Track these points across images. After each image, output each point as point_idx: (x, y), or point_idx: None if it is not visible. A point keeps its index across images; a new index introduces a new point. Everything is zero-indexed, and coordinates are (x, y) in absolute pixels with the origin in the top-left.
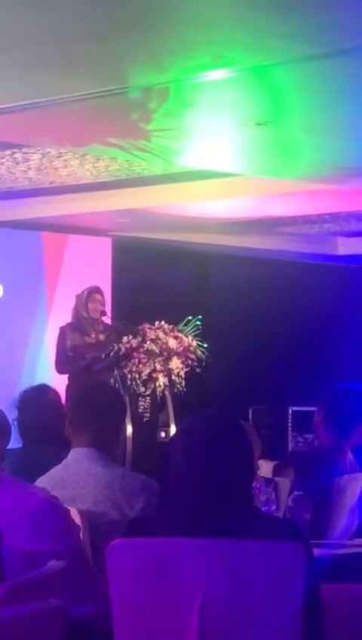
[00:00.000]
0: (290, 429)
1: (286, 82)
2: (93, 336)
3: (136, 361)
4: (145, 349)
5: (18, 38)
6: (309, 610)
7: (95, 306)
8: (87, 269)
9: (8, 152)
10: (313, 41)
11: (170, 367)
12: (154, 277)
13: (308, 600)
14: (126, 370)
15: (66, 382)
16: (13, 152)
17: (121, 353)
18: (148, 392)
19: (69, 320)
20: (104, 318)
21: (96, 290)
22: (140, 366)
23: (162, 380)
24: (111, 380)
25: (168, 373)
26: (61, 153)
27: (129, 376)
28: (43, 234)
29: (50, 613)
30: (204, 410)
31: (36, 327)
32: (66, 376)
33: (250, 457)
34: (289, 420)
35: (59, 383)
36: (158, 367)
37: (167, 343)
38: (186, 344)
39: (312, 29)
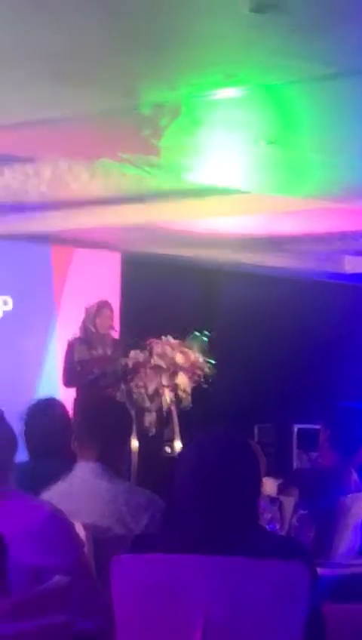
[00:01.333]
0: (295, 447)
1: (296, 101)
2: (100, 350)
3: (143, 375)
4: (151, 364)
5: (31, 53)
6: (312, 630)
7: (103, 321)
8: (96, 283)
9: (19, 165)
10: (324, 61)
11: (177, 382)
12: (163, 292)
13: (311, 619)
14: (132, 385)
15: (73, 395)
16: (25, 166)
17: (127, 368)
18: (154, 407)
19: (77, 334)
20: (112, 333)
21: (105, 305)
22: (147, 381)
23: (168, 395)
24: (118, 395)
25: (174, 388)
26: (72, 168)
27: (135, 390)
28: (52, 248)
29: (55, 628)
30: (210, 428)
31: (44, 340)
32: (74, 389)
33: (257, 477)
34: (295, 438)
35: (66, 396)
36: (165, 382)
37: (173, 359)
38: (193, 360)
39: (323, 49)
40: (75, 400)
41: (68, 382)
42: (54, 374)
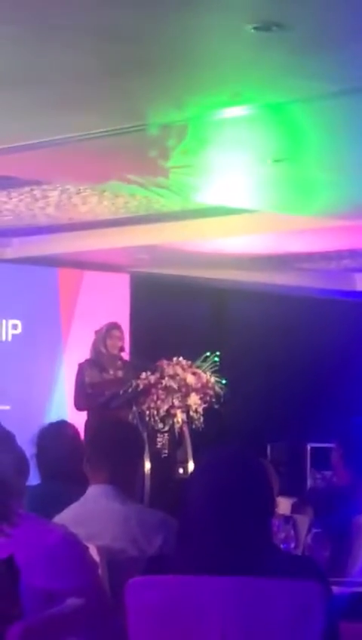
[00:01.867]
0: (309, 465)
1: (303, 119)
2: (111, 372)
3: (155, 397)
4: (163, 385)
5: (38, 75)
6: None
7: (114, 342)
8: (106, 305)
9: (27, 188)
10: (330, 79)
11: (188, 403)
12: (172, 313)
13: (326, 638)
14: (144, 407)
15: (84, 418)
16: (32, 189)
17: (139, 389)
18: (166, 429)
19: (87, 356)
20: (122, 354)
21: (115, 326)
22: (158, 402)
23: (180, 416)
24: (130, 417)
25: (186, 409)
26: (80, 190)
27: (147, 412)
28: (60, 270)
29: None
30: (222, 447)
31: (53, 363)
32: (84, 412)
33: (270, 495)
34: (308, 457)
35: (77, 419)
36: (176, 403)
37: (185, 379)
38: (204, 380)
39: (329, 67)
40: (86, 422)
41: (79, 405)
42: (64, 397)
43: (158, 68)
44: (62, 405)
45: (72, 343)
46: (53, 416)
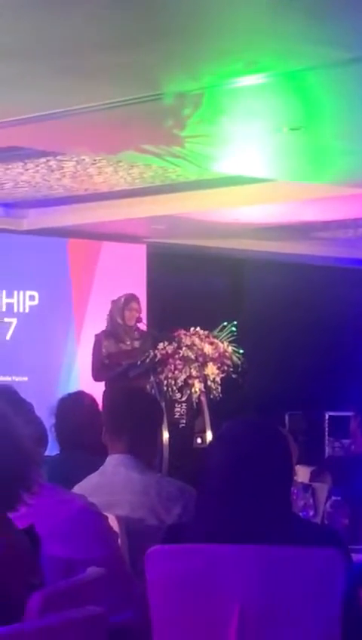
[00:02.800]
0: (327, 434)
1: (319, 87)
2: (128, 343)
3: (172, 367)
4: (180, 355)
5: (53, 46)
6: (349, 616)
7: (131, 314)
8: (123, 276)
9: (43, 159)
10: (346, 46)
11: (206, 373)
12: (189, 283)
13: (347, 605)
14: (162, 377)
15: (101, 388)
16: (48, 160)
17: (156, 360)
18: (184, 398)
19: (104, 327)
20: (139, 325)
21: (133, 298)
22: (176, 372)
23: (198, 386)
24: (148, 387)
25: (204, 379)
26: (95, 160)
27: (165, 382)
28: (76, 241)
29: (90, 620)
30: (241, 416)
31: (70, 334)
32: (101, 383)
33: (288, 463)
34: (326, 426)
35: (94, 389)
36: (194, 373)
37: (202, 349)
38: (222, 350)
39: (345, 34)
40: (104, 393)
41: (97, 375)
42: (82, 368)
43: (173, 37)
44: (83, 376)
45: (89, 314)
46: (70, 387)
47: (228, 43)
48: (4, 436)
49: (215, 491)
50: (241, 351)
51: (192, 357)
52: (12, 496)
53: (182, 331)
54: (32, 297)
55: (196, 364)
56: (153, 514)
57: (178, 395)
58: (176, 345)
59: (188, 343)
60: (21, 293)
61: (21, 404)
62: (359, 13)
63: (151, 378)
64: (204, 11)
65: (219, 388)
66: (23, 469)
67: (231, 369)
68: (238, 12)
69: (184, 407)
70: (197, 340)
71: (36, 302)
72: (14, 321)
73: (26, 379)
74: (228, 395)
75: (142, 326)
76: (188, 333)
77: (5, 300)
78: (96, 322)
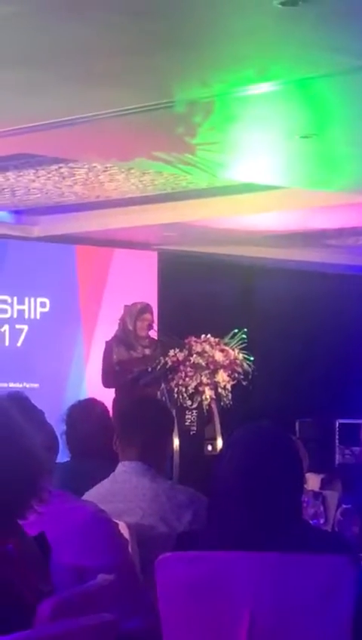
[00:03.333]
0: (337, 441)
1: (330, 94)
2: (139, 350)
3: (183, 374)
4: (191, 362)
5: (63, 54)
6: (359, 624)
7: (143, 324)
8: (134, 283)
9: (55, 166)
10: (357, 53)
11: (217, 380)
12: (200, 290)
13: (357, 613)
14: (173, 384)
15: (112, 396)
16: (60, 167)
17: (167, 367)
18: (194, 406)
19: (115, 333)
20: (150, 332)
21: (147, 309)
22: (187, 379)
23: (208, 393)
24: (158, 394)
25: (214, 386)
26: (107, 167)
27: (176, 389)
28: (88, 248)
29: (101, 627)
30: (252, 424)
31: (81, 341)
32: (112, 390)
33: (299, 471)
34: (337, 433)
35: (105, 396)
36: (205, 380)
37: (213, 357)
38: (232, 357)
39: (356, 41)
40: (115, 400)
41: (107, 382)
42: (93, 375)
43: (185, 44)
44: (88, 383)
45: (100, 321)
46: (80, 394)
47: (239, 50)
48: (14, 444)
49: (226, 499)
50: (252, 358)
51: (203, 364)
52: (22, 504)
53: (193, 338)
54: (43, 304)
55: (207, 372)
56: (164, 521)
57: (188, 403)
58: (186, 352)
59: (199, 350)
60: (32, 299)
61: (32, 411)
62: None
63: (162, 385)
64: (216, 19)
65: (230, 395)
66: (33, 478)
67: (242, 376)
68: (249, 20)
69: (195, 414)
70: (207, 347)
71: (47, 308)
72: (25, 327)
73: (37, 385)
74: (238, 403)
75: (153, 333)
76: (198, 341)
77: (17, 307)
78: (107, 329)
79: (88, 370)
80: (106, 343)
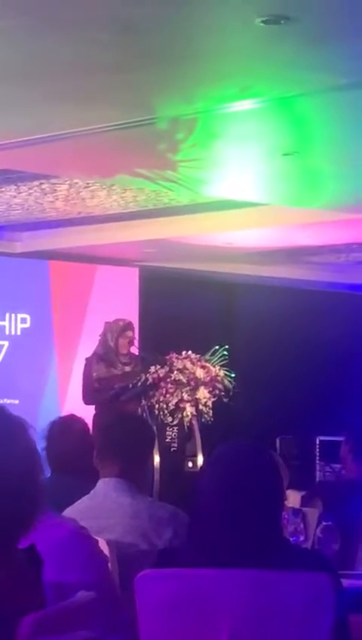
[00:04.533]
0: (318, 458)
1: (312, 112)
2: (119, 367)
3: (164, 391)
4: (172, 378)
5: (45, 69)
6: None
7: (125, 342)
8: (115, 299)
9: (36, 182)
10: (339, 72)
11: (198, 397)
12: (181, 307)
13: (337, 631)
14: (153, 400)
15: (92, 412)
16: (41, 183)
17: (148, 383)
18: (175, 422)
19: (95, 349)
20: (132, 349)
21: (129, 327)
22: (167, 396)
23: (189, 409)
24: (139, 410)
25: (195, 403)
26: (89, 184)
27: (156, 406)
28: (69, 264)
29: None
30: (233, 441)
31: (62, 357)
32: (92, 406)
33: (280, 488)
34: (317, 450)
35: (86, 412)
36: (186, 397)
37: (194, 373)
38: (213, 374)
39: (338, 60)
40: (95, 416)
41: (87, 399)
42: (55, 391)
43: (167, 61)
44: (72, 399)
45: (81, 337)
46: (55, 411)
47: (222, 68)
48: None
49: (206, 516)
50: (233, 375)
51: (184, 381)
52: (9, 540)
53: (174, 355)
54: (23, 320)
55: (188, 388)
56: (144, 538)
57: (169, 419)
58: (167, 368)
59: (180, 367)
60: (13, 315)
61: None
62: (351, 40)
63: (143, 402)
64: (199, 36)
65: (211, 412)
66: (22, 513)
67: (223, 393)
68: (233, 37)
69: (175, 431)
70: (188, 364)
71: (28, 324)
72: (6, 343)
73: (17, 402)
74: (219, 419)
75: (134, 349)
76: (179, 357)
77: None
78: (89, 345)
79: (71, 386)
80: (86, 359)
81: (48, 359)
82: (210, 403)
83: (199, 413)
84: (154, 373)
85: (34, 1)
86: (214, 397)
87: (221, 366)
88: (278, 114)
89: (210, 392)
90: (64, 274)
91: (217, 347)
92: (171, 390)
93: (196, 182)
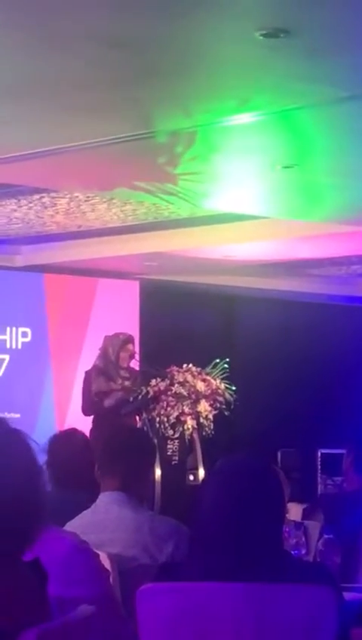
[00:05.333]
0: (319, 471)
1: (312, 125)
2: (119, 382)
3: (165, 404)
4: (173, 392)
5: (44, 85)
6: None
7: (126, 355)
8: (115, 312)
9: (36, 196)
10: (339, 84)
11: (198, 410)
12: (182, 320)
13: None
14: (154, 414)
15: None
16: (42, 197)
17: (149, 396)
18: (176, 435)
19: (95, 362)
20: (132, 363)
21: (130, 340)
22: (168, 409)
23: (190, 422)
24: (140, 424)
25: (196, 416)
26: (89, 197)
27: (157, 419)
28: (69, 278)
29: None
30: (234, 454)
31: (63, 371)
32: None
33: (281, 502)
34: (319, 463)
35: (87, 426)
36: (186, 410)
37: (195, 386)
38: (214, 387)
39: (338, 72)
40: (92, 429)
41: (86, 411)
42: (51, 405)
43: (166, 75)
44: (73, 413)
45: (81, 350)
46: (52, 424)
47: (221, 81)
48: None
49: (208, 529)
50: (234, 388)
51: (185, 394)
52: (13, 552)
53: (175, 368)
54: (24, 334)
55: (188, 401)
56: (146, 552)
57: (170, 432)
58: (168, 382)
59: (181, 380)
60: (14, 329)
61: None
62: (350, 53)
63: (144, 415)
64: (198, 50)
65: (212, 425)
66: (25, 526)
67: (224, 406)
68: (232, 51)
69: (176, 444)
70: (189, 377)
71: (29, 338)
72: (7, 357)
73: (18, 415)
74: (220, 433)
75: (135, 363)
76: (180, 370)
77: None
78: (90, 358)
79: (73, 399)
80: (86, 372)
81: (45, 373)
82: (210, 416)
83: (200, 427)
84: (155, 386)
85: (31, 18)
86: (215, 410)
87: (222, 379)
88: (278, 127)
89: (210, 405)
90: (64, 287)
91: (218, 360)
92: (172, 403)
93: (196, 195)
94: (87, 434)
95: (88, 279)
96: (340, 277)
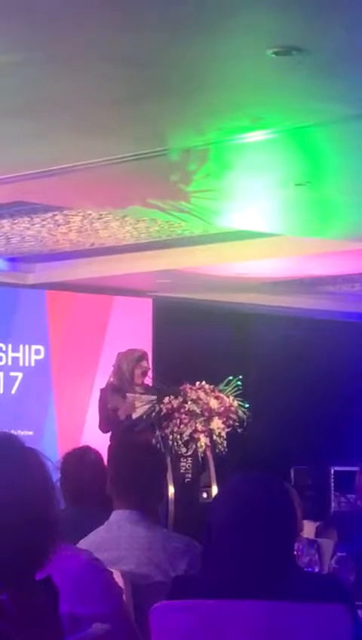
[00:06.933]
0: (333, 489)
1: (325, 143)
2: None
3: (178, 421)
4: (186, 409)
5: (59, 102)
6: None
7: (140, 372)
8: (129, 329)
9: (49, 214)
10: (351, 102)
11: (212, 427)
12: (195, 337)
13: None
14: (167, 431)
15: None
16: (55, 215)
17: (162, 414)
18: (189, 453)
19: (110, 379)
20: (145, 379)
21: (144, 356)
22: (181, 426)
23: (203, 440)
24: (153, 441)
25: (209, 433)
26: (102, 215)
27: (170, 436)
28: (82, 295)
29: None
30: (247, 471)
31: (77, 388)
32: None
33: (293, 520)
34: (332, 480)
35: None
36: (200, 427)
37: (208, 404)
38: (227, 404)
39: (350, 90)
40: (110, 447)
41: (104, 428)
42: (53, 424)
43: (179, 93)
44: (89, 430)
45: (97, 368)
46: (53, 443)
47: (234, 99)
48: (16, 508)
49: (221, 547)
50: (247, 405)
51: (198, 411)
52: (26, 571)
53: (188, 385)
54: (37, 351)
55: (202, 419)
56: (159, 569)
57: (183, 450)
58: (181, 399)
59: (194, 397)
60: (27, 347)
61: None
62: None
63: (157, 432)
64: (211, 68)
65: (225, 442)
66: (38, 545)
67: (237, 423)
68: (244, 69)
69: (189, 461)
70: (202, 395)
71: (42, 356)
72: (20, 375)
73: (31, 433)
74: (233, 450)
75: (148, 380)
76: (193, 388)
77: (11, 354)
78: (104, 376)
79: (88, 417)
80: (101, 390)
81: (65, 390)
82: (224, 433)
83: (213, 444)
84: (168, 403)
85: (44, 36)
86: (228, 427)
87: (235, 396)
88: (290, 144)
89: (224, 422)
90: (77, 305)
91: (231, 377)
92: (185, 421)
93: (209, 212)
94: (103, 450)
95: (101, 297)
96: (353, 294)
